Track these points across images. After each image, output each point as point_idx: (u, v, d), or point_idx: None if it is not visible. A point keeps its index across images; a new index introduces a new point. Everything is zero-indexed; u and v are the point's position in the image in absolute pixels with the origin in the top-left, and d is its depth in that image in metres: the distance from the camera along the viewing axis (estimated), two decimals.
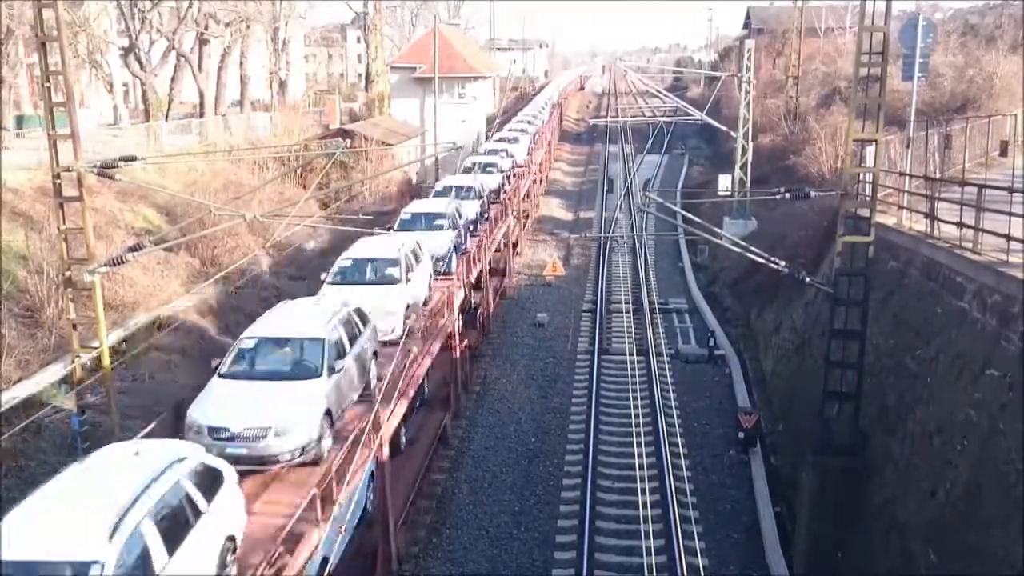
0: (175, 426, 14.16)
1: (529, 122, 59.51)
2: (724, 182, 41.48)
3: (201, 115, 48.36)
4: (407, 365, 17.74)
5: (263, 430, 13.47)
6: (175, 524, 9.93)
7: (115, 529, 9.02)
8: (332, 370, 14.88)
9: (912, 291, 17.21)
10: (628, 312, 33.82)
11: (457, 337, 24.15)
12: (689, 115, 53.40)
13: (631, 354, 29.28)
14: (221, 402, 14.05)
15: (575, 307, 34.85)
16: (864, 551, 16.08)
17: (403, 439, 19.71)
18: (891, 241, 18.53)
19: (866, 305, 17.31)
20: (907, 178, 20.42)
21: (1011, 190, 14.87)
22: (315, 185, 32.40)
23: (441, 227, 26.82)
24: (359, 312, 17.24)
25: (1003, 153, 27.35)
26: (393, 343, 18.41)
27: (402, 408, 17.57)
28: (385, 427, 15.92)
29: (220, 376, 14.84)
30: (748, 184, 41.85)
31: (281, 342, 15.60)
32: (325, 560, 13.18)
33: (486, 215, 33.06)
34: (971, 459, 13.14)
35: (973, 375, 13.75)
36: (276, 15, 56.81)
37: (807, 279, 19.06)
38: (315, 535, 12.43)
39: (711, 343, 29.82)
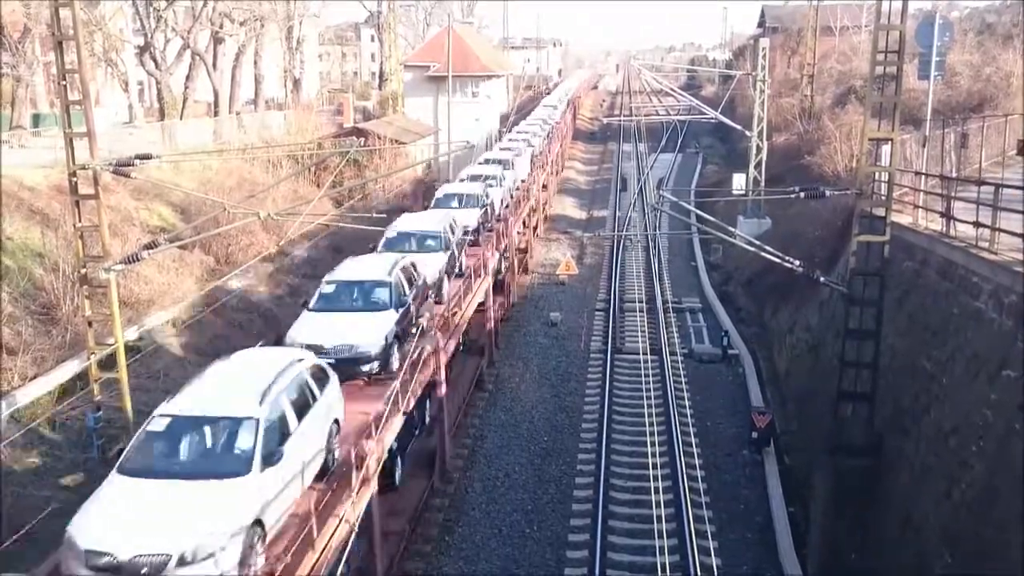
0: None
1: (543, 122, 59.43)
2: (738, 181, 41.36)
3: (216, 114, 48.54)
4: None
5: (349, 347, 16.85)
6: (300, 402, 12.98)
7: (263, 397, 12.10)
8: (398, 305, 18.36)
9: (928, 291, 17.09)
10: (641, 311, 33.78)
11: (491, 298, 28.31)
12: (703, 114, 53.20)
13: (644, 353, 29.23)
14: (313, 327, 17.46)
15: (588, 306, 34.81)
16: (878, 551, 16.00)
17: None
18: (907, 240, 18.40)
19: (881, 305, 17.22)
20: (923, 177, 20.29)
21: None
22: (329, 183, 32.46)
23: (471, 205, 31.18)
24: (414, 265, 20.61)
25: (1020, 152, 27.04)
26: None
27: (453, 343, 21.68)
28: (442, 354, 20.05)
29: (309, 310, 18.34)
30: (762, 183, 41.69)
31: (356, 284, 19.00)
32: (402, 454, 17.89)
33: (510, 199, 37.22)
34: (987, 460, 13.05)
35: (989, 376, 13.66)
36: (290, 14, 56.96)
37: (822, 278, 18.96)
38: (396, 421, 15.88)
39: (725, 342, 29.72)
